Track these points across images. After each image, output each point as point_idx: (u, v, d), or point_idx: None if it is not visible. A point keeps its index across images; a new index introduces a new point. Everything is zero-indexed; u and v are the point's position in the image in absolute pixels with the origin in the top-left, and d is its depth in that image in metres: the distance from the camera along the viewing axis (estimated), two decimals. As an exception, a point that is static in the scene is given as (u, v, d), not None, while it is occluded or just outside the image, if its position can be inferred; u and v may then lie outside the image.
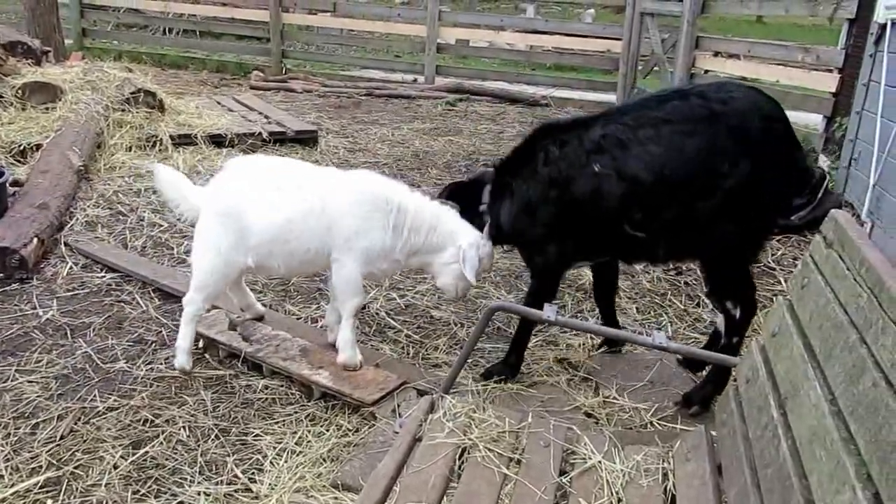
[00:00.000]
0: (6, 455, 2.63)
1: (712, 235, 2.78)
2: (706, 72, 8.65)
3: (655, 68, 9.96)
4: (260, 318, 3.50)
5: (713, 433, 2.07)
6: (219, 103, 8.34)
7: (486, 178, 3.28)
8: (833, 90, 6.27)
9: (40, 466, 2.59)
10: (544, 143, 3.00)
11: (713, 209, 2.72)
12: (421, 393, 2.95)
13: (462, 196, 3.27)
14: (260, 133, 6.93)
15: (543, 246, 3.07)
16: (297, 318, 3.75)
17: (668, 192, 2.74)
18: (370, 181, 3.13)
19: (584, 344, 3.59)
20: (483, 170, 3.39)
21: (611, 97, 10.47)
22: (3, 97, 6.15)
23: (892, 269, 1.42)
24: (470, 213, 3.20)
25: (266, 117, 7.63)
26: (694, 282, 4.42)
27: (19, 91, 6.21)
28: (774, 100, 2.78)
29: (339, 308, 3.14)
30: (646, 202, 2.78)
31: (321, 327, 3.62)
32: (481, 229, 3.16)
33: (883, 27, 4.76)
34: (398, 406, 2.88)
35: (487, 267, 3.25)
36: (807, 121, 7.03)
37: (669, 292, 4.29)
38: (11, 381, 3.09)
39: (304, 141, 7.20)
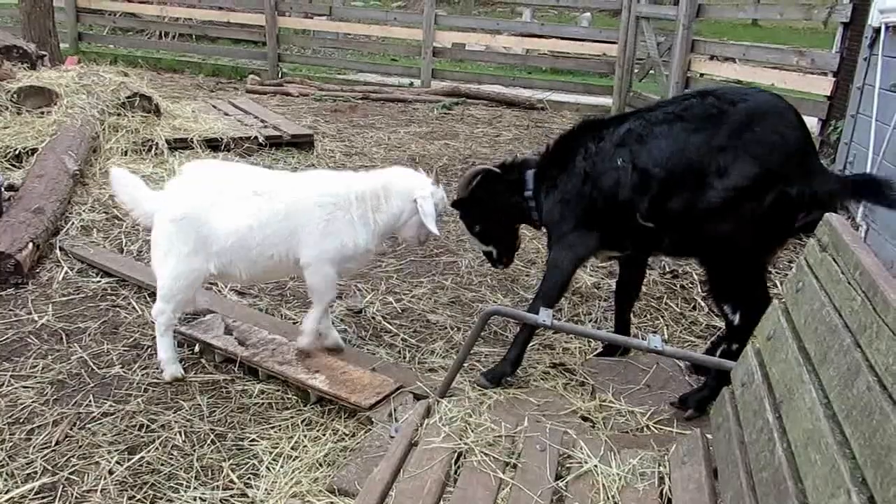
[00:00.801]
0: (1, 461, 2.62)
1: (709, 234, 2.79)
2: (702, 75, 8.68)
3: (651, 72, 10.00)
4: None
5: (709, 436, 2.07)
6: (215, 107, 8.34)
7: (531, 163, 3.37)
8: (828, 93, 6.29)
9: (35, 472, 2.58)
10: (584, 138, 3.12)
11: (710, 206, 2.73)
12: (417, 397, 2.95)
13: (507, 172, 3.38)
14: (256, 137, 6.93)
15: (567, 236, 3.13)
16: (294, 323, 3.74)
17: (671, 184, 2.81)
18: (325, 181, 3.14)
19: (580, 348, 3.59)
20: (525, 156, 3.52)
21: (607, 101, 10.49)
22: (-2, 102, 6.15)
23: (885, 273, 1.43)
24: (508, 195, 3.35)
25: (262, 121, 7.62)
26: (689, 285, 4.43)
27: (15, 95, 6.20)
28: (792, 106, 2.78)
29: (313, 300, 3.17)
30: (652, 193, 2.86)
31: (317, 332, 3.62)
32: (523, 213, 3.36)
33: (877, 31, 4.78)
34: (395, 410, 2.88)
35: (442, 211, 3.27)
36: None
37: (665, 295, 4.29)
38: (7, 386, 3.07)
39: (300, 145, 7.20)
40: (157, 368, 3.25)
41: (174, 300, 3.08)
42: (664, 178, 2.82)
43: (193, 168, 3.19)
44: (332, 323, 3.72)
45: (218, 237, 2.94)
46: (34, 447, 2.71)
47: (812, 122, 6.47)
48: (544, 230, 3.50)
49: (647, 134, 2.89)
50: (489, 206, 3.43)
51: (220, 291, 4.05)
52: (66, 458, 2.66)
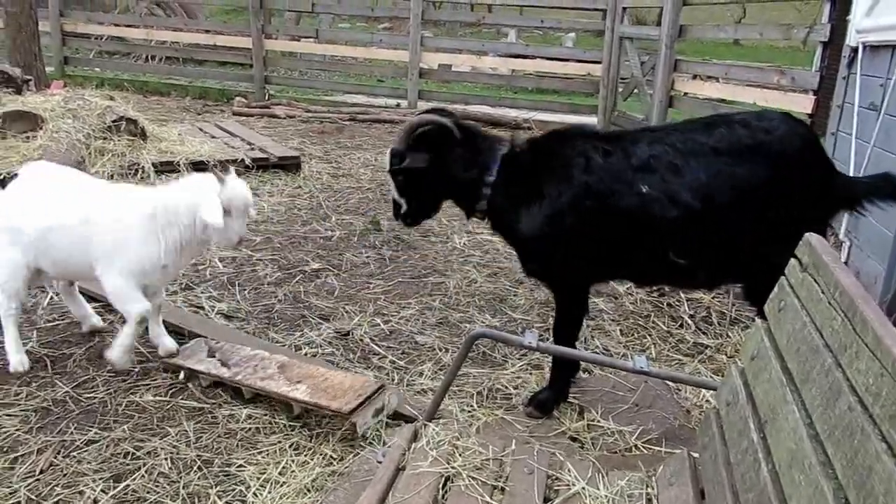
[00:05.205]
0: (-16, 491, 2.59)
1: (760, 259, 2.79)
2: (685, 94, 8.77)
3: (635, 91, 10.08)
4: (96, 332, 3.76)
5: (696, 455, 2.07)
6: (201, 130, 8.34)
7: (499, 146, 3.07)
8: (809, 111, 6.37)
9: (19, 502, 2.55)
10: (583, 147, 2.90)
11: (762, 234, 2.76)
12: (406, 419, 2.93)
13: (468, 142, 3.06)
14: (243, 159, 6.93)
15: (569, 257, 2.95)
16: (281, 346, 3.72)
17: (719, 220, 2.75)
18: (129, 195, 3.31)
19: (568, 367, 3.59)
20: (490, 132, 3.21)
21: (592, 120, 10.57)
22: (-18, 126, 6.13)
23: (864, 293, 1.44)
24: (459, 169, 3.03)
25: (249, 143, 7.63)
26: (676, 303, 4.45)
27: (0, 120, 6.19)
28: (806, 124, 2.88)
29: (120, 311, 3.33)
30: (695, 229, 2.76)
31: (305, 354, 3.61)
32: (466, 194, 3.07)
33: (855, 50, 4.86)
34: (384, 432, 2.86)
35: (242, 204, 3.19)
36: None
37: (653, 314, 4.31)
38: (-11, 414, 3.05)
39: (287, 167, 7.21)
40: (143, 394, 3.23)
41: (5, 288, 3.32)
42: (710, 213, 2.73)
43: (28, 170, 3.48)
44: (319, 345, 3.74)
45: (27, 232, 3.22)
46: (18, 476, 2.67)
47: (794, 140, 6.54)
48: (486, 224, 3.22)
49: (682, 165, 2.75)
50: (427, 168, 3.04)
51: (207, 315, 4.03)
52: (50, 488, 2.63)
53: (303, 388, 3.03)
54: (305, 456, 2.84)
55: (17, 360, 3.37)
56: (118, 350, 3.26)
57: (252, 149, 7.38)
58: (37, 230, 3.20)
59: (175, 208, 3.13)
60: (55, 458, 2.79)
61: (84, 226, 3.16)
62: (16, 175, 5.45)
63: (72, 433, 2.95)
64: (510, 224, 3.04)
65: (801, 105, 6.50)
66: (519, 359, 3.70)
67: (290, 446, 2.90)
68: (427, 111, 3.15)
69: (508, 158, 3.04)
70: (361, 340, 3.86)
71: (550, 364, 3.26)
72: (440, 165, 3.04)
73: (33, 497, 2.57)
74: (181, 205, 3.13)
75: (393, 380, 3.48)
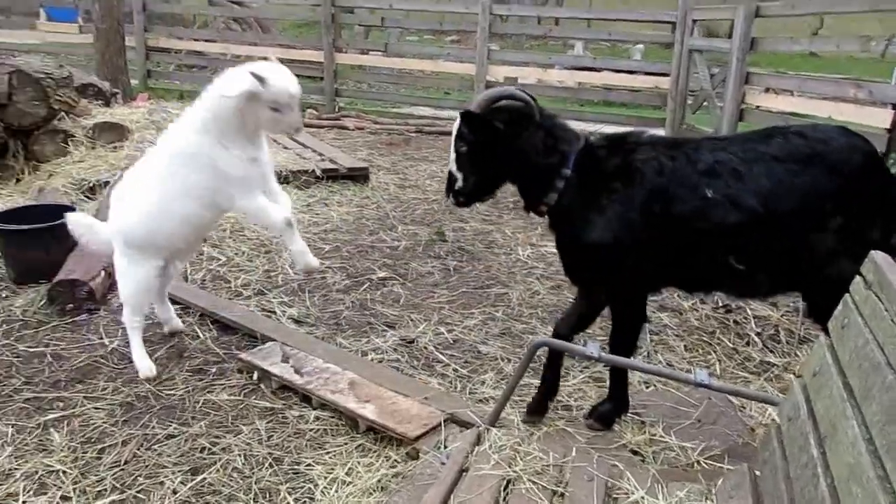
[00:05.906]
0: (74, 478, 2.78)
1: (819, 268, 2.80)
2: (757, 107, 8.60)
3: (704, 104, 9.94)
4: (176, 333, 3.97)
5: (756, 472, 2.08)
6: (275, 141, 8.59)
7: (576, 140, 3.01)
8: (888, 126, 6.18)
9: (105, 490, 2.73)
10: (653, 151, 2.90)
11: (822, 246, 2.77)
12: (467, 426, 3.00)
13: (550, 129, 2.99)
14: (314, 170, 7.15)
15: (638, 263, 2.93)
16: (349, 351, 3.84)
17: (780, 227, 2.78)
18: (175, 130, 3.38)
19: (630, 381, 3.59)
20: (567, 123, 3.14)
21: (659, 133, 10.46)
22: (74, 136, 6.51)
23: (928, 312, 1.45)
24: (536, 155, 2.95)
25: (320, 154, 7.85)
26: (743, 320, 4.39)
27: (90, 131, 6.57)
28: (863, 136, 2.87)
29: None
30: (755, 234, 2.79)
31: (371, 360, 3.72)
32: (531, 180, 3.02)
33: (936, 64, 4.73)
34: (445, 439, 2.94)
35: (285, 98, 3.32)
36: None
37: (718, 331, 4.27)
38: (80, 407, 3.26)
39: (355, 178, 7.39)
40: (219, 393, 3.40)
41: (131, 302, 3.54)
42: (772, 220, 2.75)
43: (113, 193, 3.61)
44: (385, 352, 3.85)
45: (141, 233, 3.39)
46: (104, 465, 2.87)
47: (870, 155, 6.34)
48: (543, 220, 3.13)
49: (745, 172, 2.78)
50: (500, 142, 2.93)
51: (279, 319, 4.20)
52: (133, 477, 2.80)
53: (371, 408, 3.13)
54: (371, 458, 2.95)
55: (146, 367, 3.55)
56: (299, 256, 3.36)
57: (322, 160, 7.59)
58: (147, 225, 3.35)
59: (217, 110, 3.17)
60: (138, 450, 2.98)
61: (176, 184, 3.26)
62: (106, 183, 5.80)
63: (153, 427, 3.14)
64: (578, 224, 2.94)
65: (879, 119, 6.31)
66: (580, 371, 3.73)
67: (356, 448, 3.01)
68: (506, 88, 3.05)
69: (585, 152, 2.98)
70: (426, 348, 3.95)
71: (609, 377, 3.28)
72: (516, 144, 2.94)
73: (118, 486, 2.76)
74: (219, 104, 3.17)
75: (455, 388, 3.56)
